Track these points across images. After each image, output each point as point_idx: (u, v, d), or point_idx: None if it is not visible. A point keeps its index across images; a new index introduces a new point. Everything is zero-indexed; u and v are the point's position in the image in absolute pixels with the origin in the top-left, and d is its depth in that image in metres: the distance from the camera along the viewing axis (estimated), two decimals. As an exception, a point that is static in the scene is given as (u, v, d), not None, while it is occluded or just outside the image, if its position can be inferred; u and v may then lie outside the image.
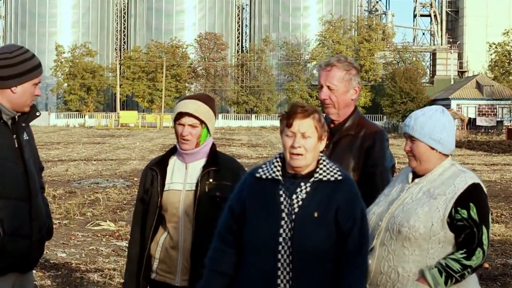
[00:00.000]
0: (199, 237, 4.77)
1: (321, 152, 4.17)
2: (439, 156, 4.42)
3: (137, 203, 5.05)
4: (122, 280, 9.59)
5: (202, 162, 4.90)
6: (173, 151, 5.02)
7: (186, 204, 4.83)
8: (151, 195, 4.89)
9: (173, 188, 4.87)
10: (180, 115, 4.84)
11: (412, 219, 4.26)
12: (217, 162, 4.91)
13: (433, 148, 4.39)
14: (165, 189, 4.87)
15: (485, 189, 4.37)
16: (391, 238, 4.32)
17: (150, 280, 4.98)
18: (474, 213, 4.22)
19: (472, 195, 4.27)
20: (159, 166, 4.93)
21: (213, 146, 4.99)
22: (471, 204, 4.24)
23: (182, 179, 4.88)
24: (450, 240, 4.28)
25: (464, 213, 4.23)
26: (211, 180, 4.84)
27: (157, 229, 4.93)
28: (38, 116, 4.89)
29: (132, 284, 4.98)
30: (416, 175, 4.46)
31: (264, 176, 4.12)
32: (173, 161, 4.96)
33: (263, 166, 4.19)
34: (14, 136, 4.68)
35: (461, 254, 4.22)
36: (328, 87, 5.05)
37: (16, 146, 4.67)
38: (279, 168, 4.12)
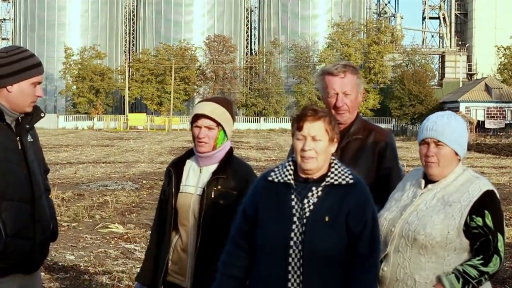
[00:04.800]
0: (204, 242, 4.80)
1: (332, 155, 4.17)
2: (456, 161, 4.41)
3: (159, 203, 5.12)
4: (130, 283, 9.63)
5: (214, 167, 4.90)
6: (192, 152, 5.03)
7: (195, 208, 4.85)
8: (168, 196, 4.93)
9: (186, 191, 4.90)
10: (197, 117, 4.85)
11: (428, 226, 4.24)
12: (227, 170, 4.89)
13: (456, 154, 4.39)
14: (180, 191, 4.91)
15: (498, 195, 4.36)
16: (406, 245, 4.30)
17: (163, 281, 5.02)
18: (489, 221, 4.22)
19: (486, 203, 4.25)
20: (176, 167, 4.96)
21: (230, 150, 4.97)
22: (486, 212, 4.23)
23: (195, 183, 4.90)
24: (466, 247, 4.27)
25: (479, 221, 4.22)
26: (219, 187, 4.83)
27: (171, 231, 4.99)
28: (42, 117, 4.87)
29: (145, 279, 5.04)
30: (427, 181, 4.44)
31: (276, 180, 4.13)
32: (190, 163, 4.99)
33: (276, 169, 4.19)
34: (18, 138, 4.68)
35: (478, 260, 4.21)
36: (344, 93, 5.07)
37: (20, 148, 4.66)
38: (291, 172, 4.12)
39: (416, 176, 4.55)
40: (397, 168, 5.13)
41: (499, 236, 4.24)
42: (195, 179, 4.91)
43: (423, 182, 4.44)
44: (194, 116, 4.86)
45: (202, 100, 4.99)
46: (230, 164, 4.94)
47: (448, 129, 4.35)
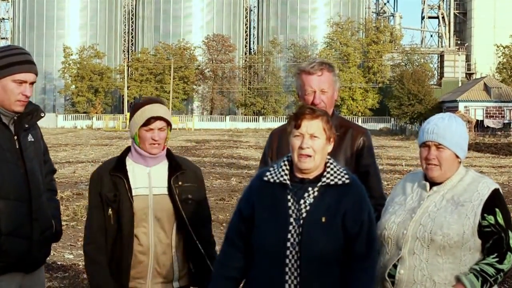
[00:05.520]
0: (177, 239, 4.84)
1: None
2: (457, 164, 4.41)
3: (96, 211, 4.87)
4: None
5: (164, 164, 4.92)
6: (125, 154, 4.98)
7: (157, 208, 4.82)
8: (120, 201, 4.80)
9: (140, 193, 4.83)
10: (150, 119, 4.82)
11: (445, 227, 4.24)
12: (181, 165, 4.94)
13: (457, 156, 4.39)
14: (133, 194, 4.83)
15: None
16: (422, 247, 4.29)
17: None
18: (500, 219, 4.26)
19: (496, 201, 4.30)
20: (120, 171, 4.86)
21: (167, 148, 5.03)
22: (497, 210, 4.27)
23: (146, 184, 4.86)
24: (478, 247, 4.30)
25: (491, 219, 4.25)
26: (180, 183, 4.86)
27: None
28: (42, 117, 4.85)
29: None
30: (430, 183, 4.43)
31: (272, 180, 4.11)
32: (131, 165, 4.91)
33: (271, 169, 4.18)
34: (15, 137, 4.67)
35: (493, 258, 4.24)
36: (321, 91, 5.09)
37: (17, 147, 4.65)
38: (287, 172, 4.11)
39: (415, 179, 4.54)
40: (375, 165, 5.18)
41: (510, 233, 4.28)
42: (144, 180, 4.86)
43: (427, 184, 4.43)
44: (147, 119, 4.81)
45: (144, 102, 4.91)
46: (178, 159, 5.00)
47: (449, 132, 4.35)
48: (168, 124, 4.89)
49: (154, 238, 4.83)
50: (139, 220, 4.82)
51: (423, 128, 4.45)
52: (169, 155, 4.98)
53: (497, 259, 4.23)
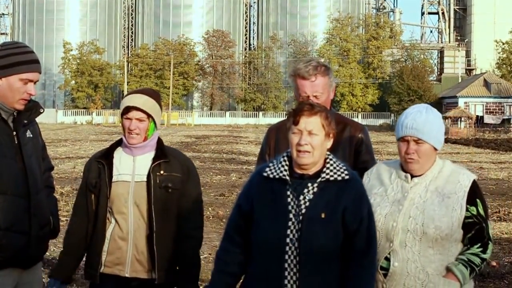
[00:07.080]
0: (157, 227, 4.84)
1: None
2: (435, 155, 4.46)
3: (80, 196, 5.05)
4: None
5: (150, 154, 4.95)
6: (118, 144, 5.05)
7: (136, 195, 4.87)
8: (100, 187, 4.90)
9: (121, 179, 4.90)
10: (127, 109, 4.88)
11: (436, 220, 4.29)
12: (167, 154, 4.96)
13: (435, 149, 4.42)
14: (113, 180, 4.90)
15: None
16: (414, 239, 4.32)
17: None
18: (481, 209, 4.35)
19: (476, 192, 4.38)
20: (105, 158, 4.95)
21: (160, 139, 5.04)
22: (478, 201, 4.36)
23: (130, 171, 4.91)
24: (460, 237, 4.38)
25: (473, 210, 4.33)
26: (162, 172, 4.88)
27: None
28: (41, 113, 4.86)
29: (63, 275, 5.03)
30: (411, 175, 4.45)
31: (271, 176, 4.11)
32: (119, 153, 4.98)
33: (270, 164, 4.17)
34: (14, 133, 4.67)
35: (478, 248, 4.34)
36: (315, 96, 5.09)
37: (16, 143, 4.66)
38: (286, 167, 4.10)
39: (390, 169, 4.56)
40: (373, 161, 5.19)
41: (488, 223, 4.40)
42: (129, 167, 4.92)
43: (409, 176, 4.45)
44: (125, 108, 4.88)
45: (131, 92, 5.01)
46: (168, 150, 5.02)
47: (428, 126, 4.38)
48: (150, 116, 4.91)
49: (134, 224, 4.87)
50: (118, 206, 4.89)
51: (401, 122, 4.47)
52: (160, 146, 5.01)
53: (481, 249, 4.34)
